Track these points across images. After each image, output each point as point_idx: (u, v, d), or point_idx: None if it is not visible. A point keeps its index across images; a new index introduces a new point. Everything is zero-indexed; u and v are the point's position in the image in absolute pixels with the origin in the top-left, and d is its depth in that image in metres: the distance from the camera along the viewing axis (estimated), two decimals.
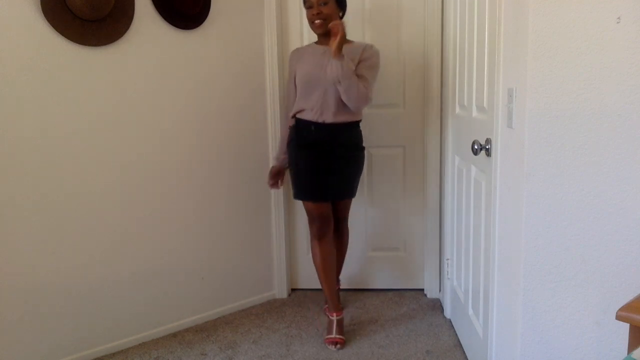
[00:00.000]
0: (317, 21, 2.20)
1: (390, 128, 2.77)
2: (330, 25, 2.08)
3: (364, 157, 2.40)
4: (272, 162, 2.61)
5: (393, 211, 2.86)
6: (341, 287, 2.73)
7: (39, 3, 1.96)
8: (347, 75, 2.09)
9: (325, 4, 2.18)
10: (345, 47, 2.15)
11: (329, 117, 2.24)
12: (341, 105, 2.21)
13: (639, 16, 1.26)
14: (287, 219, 2.86)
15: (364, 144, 2.40)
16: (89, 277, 2.21)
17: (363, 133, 2.39)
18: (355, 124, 2.34)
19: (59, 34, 2.02)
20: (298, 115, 2.30)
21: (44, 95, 2.03)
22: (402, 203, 2.85)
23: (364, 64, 2.22)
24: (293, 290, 2.96)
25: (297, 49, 2.42)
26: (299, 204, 2.39)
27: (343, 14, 2.30)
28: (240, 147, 2.64)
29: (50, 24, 1.99)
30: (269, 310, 2.73)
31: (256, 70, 2.66)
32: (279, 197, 2.78)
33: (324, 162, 2.27)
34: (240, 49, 2.60)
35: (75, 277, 2.18)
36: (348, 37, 2.24)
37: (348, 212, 2.52)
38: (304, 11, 2.27)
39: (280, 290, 2.88)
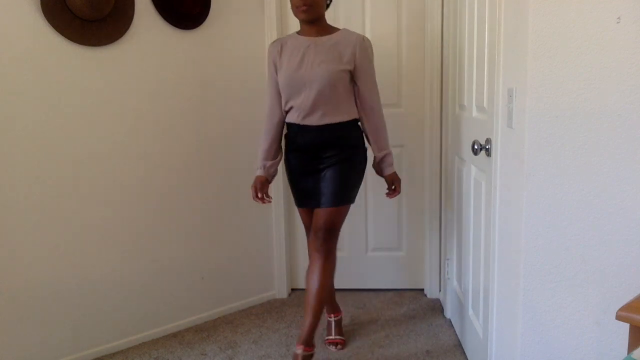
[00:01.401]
0: (303, 7, 1.95)
1: (390, 127, 2.73)
2: (394, 194, 2.22)
3: (360, 158, 2.14)
4: (256, 172, 2.17)
5: (393, 211, 2.86)
6: (342, 288, 2.72)
7: (39, 3, 1.96)
8: (388, 142, 2.19)
9: None
10: (330, 37, 2.02)
11: (314, 120, 2.02)
12: (330, 105, 2.00)
13: (639, 16, 1.26)
14: (287, 219, 2.86)
15: (360, 143, 2.14)
16: (89, 277, 2.21)
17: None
18: (348, 124, 2.07)
19: (59, 33, 2.02)
20: (286, 119, 2.12)
21: (44, 95, 2.03)
22: (402, 203, 2.85)
23: (363, 67, 2.02)
24: (293, 290, 2.96)
25: (278, 40, 2.13)
26: None
27: (330, 1, 2.10)
28: (240, 147, 2.64)
29: (50, 24, 1.99)
30: (269, 310, 2.73)
31: (256, 70, 2.66)
32: (279, 197, 2.78)
33: (314, 165, 2.07)
34: (240, 49, 2.60)
35: (75, 277, 2.18)
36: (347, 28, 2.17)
37: (336, 224, 2.05)
38: None
39: (280, 290, 2.88)
